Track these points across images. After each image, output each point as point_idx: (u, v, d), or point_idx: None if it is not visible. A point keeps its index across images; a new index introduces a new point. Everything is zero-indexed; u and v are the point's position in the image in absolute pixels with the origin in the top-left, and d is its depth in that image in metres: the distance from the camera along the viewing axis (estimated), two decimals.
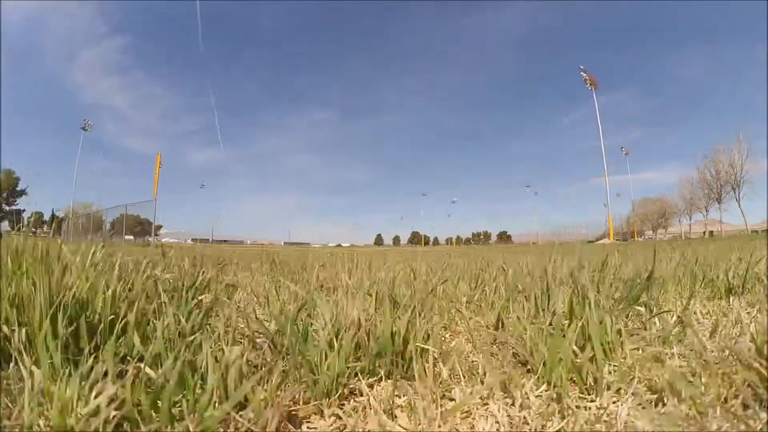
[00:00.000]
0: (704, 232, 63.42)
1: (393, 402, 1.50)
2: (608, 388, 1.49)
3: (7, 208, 75.79)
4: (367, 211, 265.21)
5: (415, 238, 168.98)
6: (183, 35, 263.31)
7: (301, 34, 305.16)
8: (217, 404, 1.32)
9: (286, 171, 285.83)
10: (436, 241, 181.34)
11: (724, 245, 14.23)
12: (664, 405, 1.37)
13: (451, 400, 1.56)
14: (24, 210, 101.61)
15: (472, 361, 1.96)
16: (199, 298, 2.65)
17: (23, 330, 1.67)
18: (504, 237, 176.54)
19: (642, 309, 2.31)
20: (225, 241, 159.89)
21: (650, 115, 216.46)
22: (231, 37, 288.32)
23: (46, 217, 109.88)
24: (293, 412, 1.48)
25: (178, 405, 1.39)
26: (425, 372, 1.54)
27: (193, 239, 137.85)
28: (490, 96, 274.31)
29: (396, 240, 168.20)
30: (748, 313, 2.55)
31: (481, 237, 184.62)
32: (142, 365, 1.42)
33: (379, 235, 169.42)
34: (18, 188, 72.11)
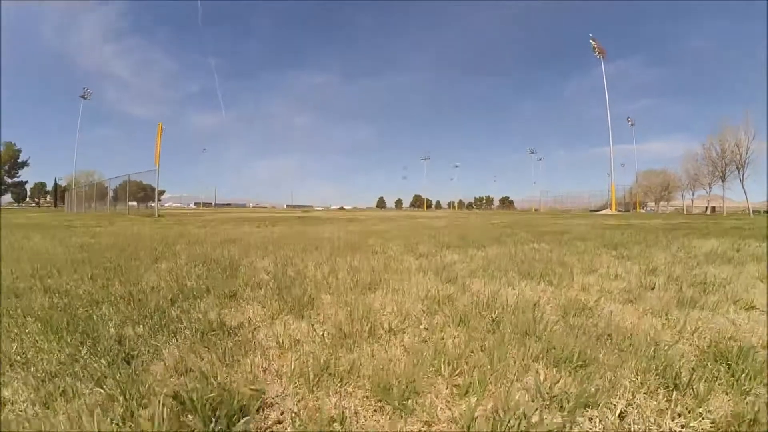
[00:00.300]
0: (706, 208, 63.23)
1: None
2: None
3: (9, 180, 75.92)
4: (369, 173, 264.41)
5: (417, 202, 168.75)
6: None
7: None
8: None
9: (287, 132, 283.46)
10: (438, 205, 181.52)
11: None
12: None
13: None
14: (26, 182, 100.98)
15: None
16: None
17: None
18: (506, 202, 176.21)
19: None
20: (228, 204, 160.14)
21: (657, 85, 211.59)
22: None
23: (50, 186, 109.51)
24: None
25: None
26: None
27: (195, 203, 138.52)
28: (495, 59, 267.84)
29: (398, 203, 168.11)
30: None
31: (484, 202, 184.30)
32: None
33: (381, 198, 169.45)
34: (20, 160, 71.80)
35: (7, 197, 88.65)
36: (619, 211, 76.88)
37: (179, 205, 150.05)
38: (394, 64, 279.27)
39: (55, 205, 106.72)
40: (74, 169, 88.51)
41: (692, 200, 46.61)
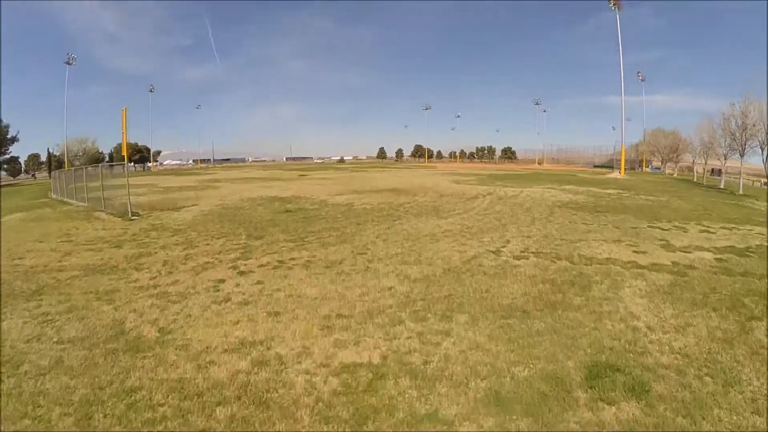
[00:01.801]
0: (712, 170, 61.90)
1: None
2: None
3: (0, 158, 73.59)
4: (370, 121, 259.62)
5: (419, 152, 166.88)
6: None
7: None
8: None
9: (284, 78, 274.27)
10: (439, 155, 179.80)
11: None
12: None
13: None
14: (18, 157, 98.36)
15: None
16: None
17: None
18: (508, 153, 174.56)
19: None
20: (227, 159, 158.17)
21: (664, 36, 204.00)
22: None
23: (43, 158, 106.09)
24: None
25: None
26: None
27: (194, 161, 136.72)
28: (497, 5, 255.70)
29: (399, 154, 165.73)
30: None
31: (485, 152, 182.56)
32: None
33: (381, 149, 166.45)
34: (9, 136, 69.14)
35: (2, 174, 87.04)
36: (626, 169, 76.01)
37: (179, 162, 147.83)
38: (393, 7, 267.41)
39: (50, 175, 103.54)
40: (65, 136, 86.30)
41: (704, 165, 45.26)
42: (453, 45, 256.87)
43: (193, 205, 18.31)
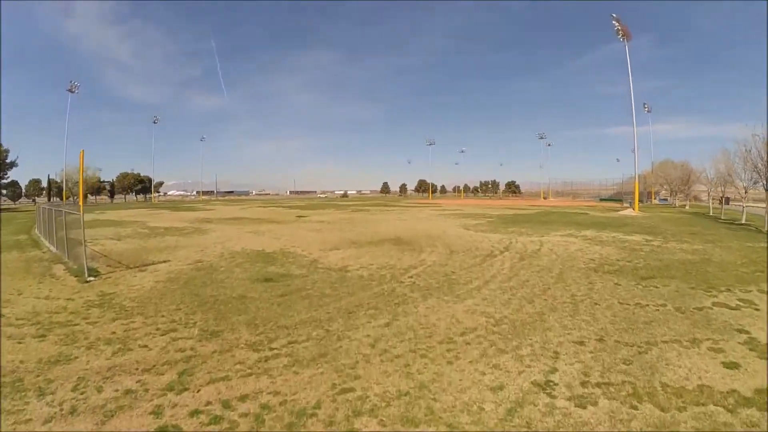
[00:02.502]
0: (722, 199, 59.56)
1: None
2: None
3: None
4: (374, 155, 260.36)
5: (422, 187, 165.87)
6: None
7: None
8: None
9: (290, 112, 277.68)
10: (443, 190, 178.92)
11: None
12: None
13: None
14: (16, 182, 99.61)
15: None
16: None
17: None
18: (512, 187, 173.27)
19: None
20: (231, 192, 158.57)
21: (663, 66, 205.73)
22: None
23: (44, 183, 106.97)
24: None
25: None
26: None
27: (197, 192, 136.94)
28: (499, 38, 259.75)
29: (403, 188, 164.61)
30: None
31: (489, 186, 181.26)
32: None
33: (385, 183, 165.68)
34: (8, 161, 68.76)
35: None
36: (629, 204, 73.65)
37: (183, 193, 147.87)
38: (400, 45, 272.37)
39: (49, 201, 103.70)
40: (64, 165, 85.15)
41: (722, 198, 42.93)
42: (456, 81, 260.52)
43: (164, 261, 15.84)
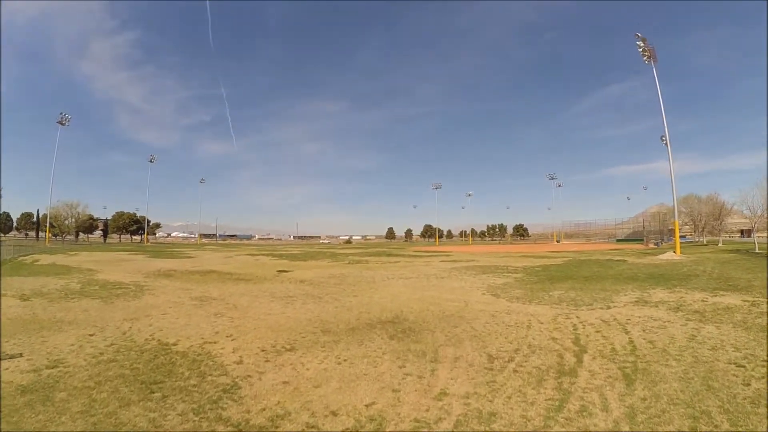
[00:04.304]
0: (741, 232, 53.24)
1: None
2: None
3: None
4: (379, 201, 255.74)
5: (428, 232, 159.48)
6: (193, 27, 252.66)
7: (312, 23, 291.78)
8: None
9: (296, 160, 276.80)
10: (449, 234, 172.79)
11: None
12: None
13: None
14: (7, 213, 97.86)
15: None
16: None
17: None
18: (521, 230, 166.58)
19: None
20: (234, 236, 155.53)
21: (657, 104, 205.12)
22: (241, 28, 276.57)
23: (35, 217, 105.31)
24: None
25: None
26: None
27: (200, 234, 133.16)
28: (500, 86, 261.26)
29: (408, 234, 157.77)
30: None
31: (497, 230, 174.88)
32: None
33: (390, 229, 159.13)
34: None
35: None
36: (655, 244, 66.29)
37: (186, 234, 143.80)
38: (404, 93, 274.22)
39: (37, 237, 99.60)
40: (50, 200, 79.96)
41: (755, 230, 37.10)
42: (460, 128, 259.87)
43: (17, 356, 8.97)
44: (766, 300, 15.43)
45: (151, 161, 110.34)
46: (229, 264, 38.32)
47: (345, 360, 9.96)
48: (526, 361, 9.62)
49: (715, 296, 16.63)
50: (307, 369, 9.38)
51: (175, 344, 11.26)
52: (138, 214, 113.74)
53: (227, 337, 12.13)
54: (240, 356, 10.29)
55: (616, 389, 7.93)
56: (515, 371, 9.00)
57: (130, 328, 12.93)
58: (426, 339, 11.78)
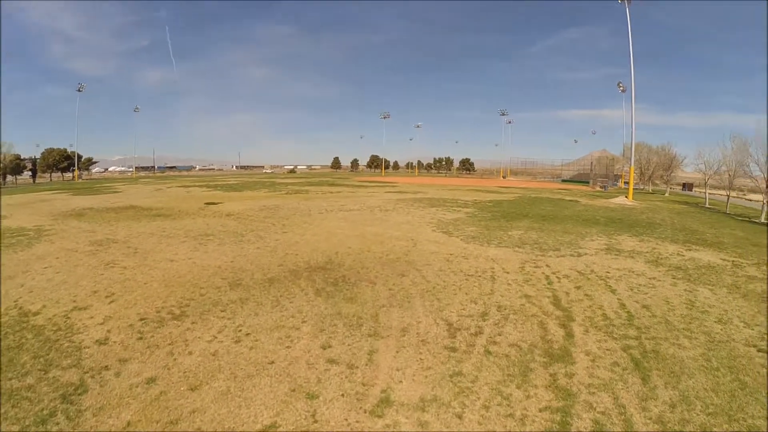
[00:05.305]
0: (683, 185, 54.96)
1: None
2: None
3: None
4: (326, 131, 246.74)
5: (374, 162, 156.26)
6: None
7: None
8: None
9: (242, 87, 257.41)
10: (396, 166, 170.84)
11: None
12: None
13: None
14: None
15: None
16: None
17: None
18: (467, 165, 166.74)
19: None
20: (173, 167, 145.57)
21: (619, 55, 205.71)
22: None
23: None
24: None
25: None
26: None
27: (136, 167, 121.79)
28: (458, 17, 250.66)
29: (354, 164, 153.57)
30: None
31: (443, 163, 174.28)
32: None
33: (336, 158, 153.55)
34: None
35: None
36: (602, 188, 67.17)
37: (124, 169, 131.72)
38: (357, 21, 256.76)
39: None
40: None
41: (728, 190, 37.48)
42: (414, 58, 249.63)
43: None
44: (747, 261, 13.69)
45: (79, 90, 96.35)
46: (155, 198, 33.38)
47: (248, 334, 6.97)
48: (499, 335, 7.05)
49: (690, 250, 14.93)
50: (190, 353, 6.31)
51: (37, 313, 7.79)
52: (66, 150, 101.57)
53: (106, 298, 8.73)
54: (108, 331, 7.06)
55: (631, 388, 5.51)
56: (487, 352, 6.39)
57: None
58: (363, 295, 8.96)
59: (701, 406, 5.19)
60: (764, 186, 24.36)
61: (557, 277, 10.71)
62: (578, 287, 9.82)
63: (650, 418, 4.90)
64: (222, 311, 7.98)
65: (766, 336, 7.31)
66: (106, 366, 5.88)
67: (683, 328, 7.57)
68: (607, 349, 6.60)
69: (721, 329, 7.59)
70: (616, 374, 5.85)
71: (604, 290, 9.65)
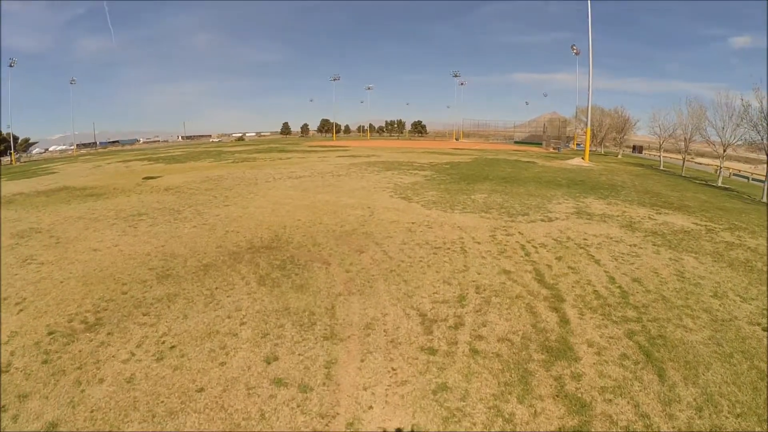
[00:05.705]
0: (633, 147, 56.26)
1: None
2: None
3: None
4: (274, 96, 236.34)
5: (325, 127, 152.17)
6: None
7: None
8: None
9: (186, 55, 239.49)
10: (347, 129, 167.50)
11: None
12: None
13: None
14: None
15: None
16: None
17: None
18: (419, 128, 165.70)
19: None
20: (116, 142, 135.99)
21: (570, 20, 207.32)
22: None
23: None
24: None
25: None
26: None
27: (76, 145, 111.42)
28: None
29: (304, 129, 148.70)
30: None
31: (395, 126, 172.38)
32: None
33: (285, 124, 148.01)
34: None
35: None
36: (556, 149, 68.03)
37: (65, 147, 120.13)
38: None
39: None
40: None
41: (684, 153, 38.33)
42: (363, 21, 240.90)
43: None
44: (719, 226, 13.16)
45: (11, 66, 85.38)
46: (92, 176, 29.69)
47: (172, 347, 5.43)
48: (483, 326, 5.88)
49: (660, 214, 14.31)
50: (101, 380, 4.72)
51: None
52: (6, 132, 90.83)
53: (15, 306, 6.83)
54: (11, 353, 5.33)
55: (649, 388, 4.51)
56: (474, 352, 5.20)
57: None
58: (316, 280, 7.56)
59: (728, 406, 4.28)
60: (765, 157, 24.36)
61: (533, 246, 9.70)
62: (559, 258, 8.84)
63: (679, 429, 3.91)
64: (144, 315, 6.36)
65: (766, 312, 6.57)
66: (4, 406, 4.26)
67: (682, 305, 6.70)
68: (610, 337, 5.58)
69: (720, 305, 6.77)
70: (628, 371, 4.83)
71: (588, 261, 8.71)
